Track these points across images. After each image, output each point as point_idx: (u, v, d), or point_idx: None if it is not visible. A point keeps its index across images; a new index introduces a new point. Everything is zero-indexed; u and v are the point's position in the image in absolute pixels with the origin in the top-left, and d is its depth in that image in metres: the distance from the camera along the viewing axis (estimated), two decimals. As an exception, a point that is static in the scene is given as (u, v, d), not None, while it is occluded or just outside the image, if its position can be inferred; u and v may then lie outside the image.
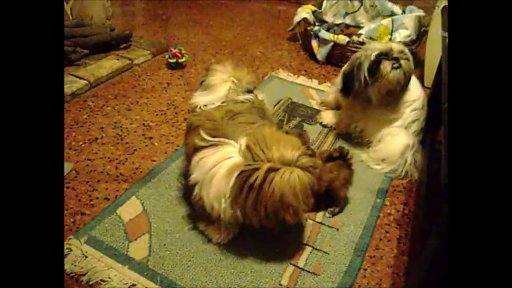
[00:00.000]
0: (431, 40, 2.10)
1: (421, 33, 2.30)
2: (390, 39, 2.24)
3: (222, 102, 1.30)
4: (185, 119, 1.83)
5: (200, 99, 1.35)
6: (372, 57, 1.42)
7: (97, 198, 1.39)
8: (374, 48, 1.44)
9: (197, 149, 1.16)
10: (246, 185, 1.04)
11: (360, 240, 1.32)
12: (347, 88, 1.53)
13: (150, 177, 1.48)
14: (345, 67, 1.53)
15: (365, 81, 1.45)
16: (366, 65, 1.42)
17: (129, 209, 1.35)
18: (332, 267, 1.22)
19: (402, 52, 1.44)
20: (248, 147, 1.07)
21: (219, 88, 1.34)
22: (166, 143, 1.68)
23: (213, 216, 1.15)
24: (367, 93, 1.47)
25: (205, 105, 1.31)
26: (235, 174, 1.06)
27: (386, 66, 1.42)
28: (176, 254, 1.22)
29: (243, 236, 1.28)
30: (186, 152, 1.27)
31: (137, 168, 1.54)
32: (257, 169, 1.03)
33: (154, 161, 1.58)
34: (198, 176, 1.14)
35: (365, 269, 1.24)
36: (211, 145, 1.14)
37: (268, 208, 1.04)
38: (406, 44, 2.20)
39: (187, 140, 1.25)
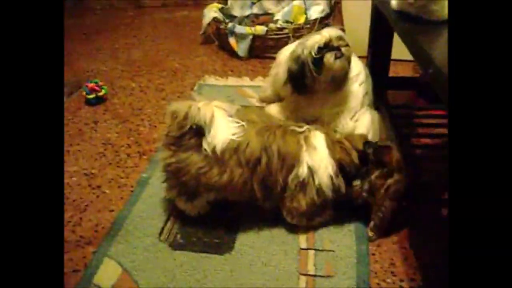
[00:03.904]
0: (346, 9, 2.12)
1: (333, 5, 2.32)
2: (306, 18, 2.23)
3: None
4: (128, 155, 1.66)
5: (220, 134, 1.15)
6: (314, 53, 1.38)
7: (64, 274, 1.20)
8: (313, 42, 1.40)
9: None
10: None
11: (357, 224, 1.27)
12: (298, 86, 1.49)
13: (116, 231, 1.31)
14: (289, 64, 1.47)
15: (311, 76, 1.42)
16: (310, 62, 1.39)
17: (107, 274, 1.17)
18: (342, 263, 1.16)
19: (341, 39, 1.42)
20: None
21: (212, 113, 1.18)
22: (118, 187, 1.51)
23: None
24: (314, 86, 1.45)
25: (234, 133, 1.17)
26: None
27: (329, 58, 1.39)
28: (179, 306, 1.08)
29: (243, 263, 1.18)
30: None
31: (97, 225, 1.35)
32: None
33: (113, 211, 1.40)
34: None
35: (374, 254, 1.20)
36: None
37: None
38: (322, 19, 2.22)
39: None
